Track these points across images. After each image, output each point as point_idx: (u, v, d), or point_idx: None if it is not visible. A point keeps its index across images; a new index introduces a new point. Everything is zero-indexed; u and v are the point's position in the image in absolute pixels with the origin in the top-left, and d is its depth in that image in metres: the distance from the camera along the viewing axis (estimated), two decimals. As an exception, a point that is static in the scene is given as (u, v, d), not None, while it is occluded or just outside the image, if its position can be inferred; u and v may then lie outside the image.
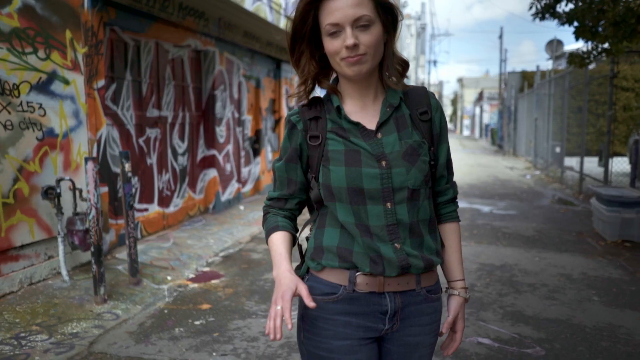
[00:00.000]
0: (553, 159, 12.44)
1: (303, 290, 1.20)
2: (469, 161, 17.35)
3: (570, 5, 6.51)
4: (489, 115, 35.34)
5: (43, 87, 3.99)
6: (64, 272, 4.07)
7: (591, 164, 10.50)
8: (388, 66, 1.31)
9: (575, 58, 6.44)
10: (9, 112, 3.69)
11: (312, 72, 1.32)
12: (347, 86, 1.33)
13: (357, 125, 1.30)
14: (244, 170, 8.19)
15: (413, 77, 34.65)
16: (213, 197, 7.06)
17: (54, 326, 3.37)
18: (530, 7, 6.99)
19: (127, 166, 4.07)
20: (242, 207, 7.65)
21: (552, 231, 6.37)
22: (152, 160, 5.77)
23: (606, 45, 6.54)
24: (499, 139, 24.94)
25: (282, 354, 3.04)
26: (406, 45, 30.64)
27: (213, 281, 4.44)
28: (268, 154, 9.23)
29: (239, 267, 4.85)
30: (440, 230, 1.41)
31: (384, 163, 1.27)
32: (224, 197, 7.38)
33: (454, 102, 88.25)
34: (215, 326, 3.46)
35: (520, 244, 5.70)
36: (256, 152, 8.66)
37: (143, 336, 3.31)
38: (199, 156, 6.84)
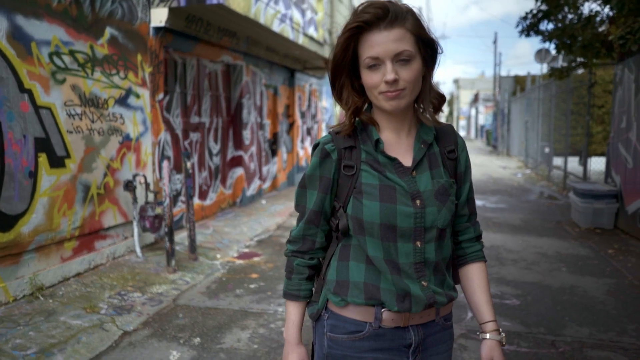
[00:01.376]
0: (542, 159, 13.46)
1: None
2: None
3: (551, 25, 7.55)
4: (484, 116, 36.41)
5: (122, 101, 4.98)
6: (137, 249, 5.06)
7: (576, 164, 11.53)
8: (424, 100, 1.29)
9: (555, 71, 7.47)
10: (101, 122, 4.68)
11: (357, 104, 1.28)
12: (382, 118, 1.30)
13: (394, 160, 1.28)
14: (264, 169, 9.19)
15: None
16: (240, 192, 8.05)
17: (142, 287, 4.36)
18: (517, 25, 8.01)
19: (189, 164, 5.07)
20: (264, 202, 8.65)
21: (535, 221, 7.39)
22: (194, 160, 6.76)
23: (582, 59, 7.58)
24: (493, 139, 26.00)
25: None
26: (404, 49, 31.63)
27: (254, 259, 5.43)
28: (283, 154, 10.23)
29: (272, 249, 5.83)
30: (467, 270, 1.39)
31: (418, 202, 1.25)
32: (249, 192, 8.38)
33: (450, 103, 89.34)
34: (266, 288, 4.46)
35: (507, 231, 6.71)
36: (274, 153, 9.66)
37: (212, 295, 4.30)
38: (229, 156, 7.84)
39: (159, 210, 5.08)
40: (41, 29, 3.95)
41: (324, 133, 13.73)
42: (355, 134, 1.30)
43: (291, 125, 10.59)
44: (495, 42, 25.36)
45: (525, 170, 14.95)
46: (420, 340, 1.31)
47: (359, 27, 1.20)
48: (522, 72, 19.08)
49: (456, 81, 78.94)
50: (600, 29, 5.52)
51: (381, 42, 1.18)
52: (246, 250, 5.81)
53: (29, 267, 3.90)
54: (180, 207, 6.22)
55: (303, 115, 11.32)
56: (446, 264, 1.33)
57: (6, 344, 3.18)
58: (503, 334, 1.32)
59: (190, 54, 6.43)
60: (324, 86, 13.09)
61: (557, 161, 12.10)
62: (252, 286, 4.51)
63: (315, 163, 1.30)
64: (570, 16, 7.22)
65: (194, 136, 6.75)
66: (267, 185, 9.40)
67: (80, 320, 3.63)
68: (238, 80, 7.86)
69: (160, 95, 5.65)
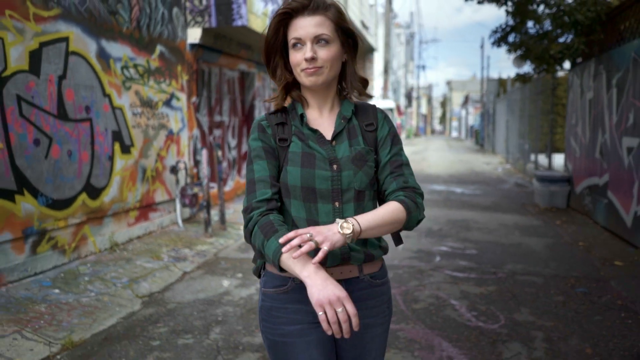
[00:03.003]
0: (520, 155, 14.84)
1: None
2: (452, 158, 19.81)
3: (516, 38, 8.91)
4: (473, 117, 37.90)
5: (168, 103, 6.29)
6: (179, 221, 6.37)
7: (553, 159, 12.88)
8: (347, 82, 1.48)
9: (520, 77, 8.83)
10: (153, 119, 5.99)
11: (287, 80, 1.46)
12: (308, 96, 1.47)
13: (316, 132, 1.43)
14: (272, 162, 10.51)
15: (403, 82, 37.11)
16: (252, 181, 9.36)
17: (189, 246, 5.66)
18: (490, 37, 9.37)
19: (219, 153, 6.38)
20: (272, 190, 9.97)
21: (504, 203, 8.75)
22: (217, 153, 8.05)
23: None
24: (481, 139, 27.43)
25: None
26: (396, 53, 33.06)
27: (271, 229, 6.75)
28: (287, 150, 11.55)
29: (285, 223, 7.15)
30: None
31: (335, 167, 1.40)
32: (260, 182, 9.70)
33: (443, 104, 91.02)
34: (284, 246, 5.77)
35: (478, 210, 8.06)
36: (279, 148, 10.98)
37: (244, 251, 5.60)
38: (243, 150, 9.15)
39: (195, 190, 6.40)
40: (115, 49, 5.26)
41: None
42: (287, 112, 1.48)
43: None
44: (482, 46, 26.82)
45: (505, 165, 16.35)
46: None
47: (287, 13, 1.39)
48: (512, 75, 20.35)
49: (449, 83, 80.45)
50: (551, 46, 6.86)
51: (304, 26, 1.37)
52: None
53: (108, 227, 5.20)
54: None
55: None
56: None
57: (105, 276, 4.48)
58: (348, 228, 1.28)
59: (215, 64, 7.74)
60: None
61: (533, 157, 13.46)
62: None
63: (255, 137, 1.46)
64: (532, 31, 8.58)
65: (217, 132, 8.07)
66: (274, 176, 10.71)
67: (150, 264, 4.93)
68: (251, 85, 9.18)
69: (194, 99, 6.97)
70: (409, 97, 39.71)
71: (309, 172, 1.39)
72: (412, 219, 1.41)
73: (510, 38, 9.15)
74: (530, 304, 3.88)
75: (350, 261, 1.42)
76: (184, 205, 6.43)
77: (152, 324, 3.61)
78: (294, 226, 1.42)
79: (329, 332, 1.22)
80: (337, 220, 1.30)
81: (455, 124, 73.58)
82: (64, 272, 4.40)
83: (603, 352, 3.06)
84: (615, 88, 6.10)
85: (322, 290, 1.22)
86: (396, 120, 20.52)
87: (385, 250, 1.51)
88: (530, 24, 8.47)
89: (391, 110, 19.09)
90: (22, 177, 4.08)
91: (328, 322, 1.21)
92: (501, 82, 20.55)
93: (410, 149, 28.68)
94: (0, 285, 3.88)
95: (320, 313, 1.21)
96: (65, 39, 4.56)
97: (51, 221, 4.40)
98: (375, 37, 21.98)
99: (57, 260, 4.47)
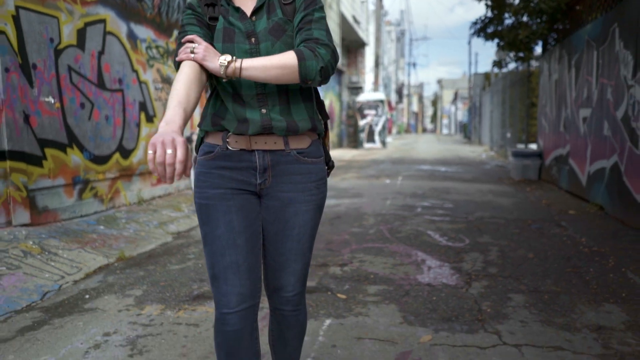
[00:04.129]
0: (503, 142, 15.78)
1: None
2: (439, 148, 20.78)
3: (495, 29, 9.83)
4: (462, 112, 38.94)
5: (183, 81, 7.12)
6: (192, 185, 7.20)
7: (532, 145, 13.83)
8: None
9: (497, 63, 9.74)
10: (171, 94, 6.82)
11: None
12: None
13: (238, 10, 1.49)
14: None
15: (393, 78, 38.07)
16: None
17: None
18: (470, 28, 10.28)
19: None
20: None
21: (482, 177, 9.66)
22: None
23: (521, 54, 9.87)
24: (468, 132, 28.42)
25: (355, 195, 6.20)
26: (387, 49, 33.99)
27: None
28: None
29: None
30: None
31: (253, 39, 1.46)
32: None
33: (434, 103, 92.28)
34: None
35: (459, 181, 8.96)
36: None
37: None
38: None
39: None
40: (141, 31, 6.09)
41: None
42: None
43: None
44: (469, 43, 27.79)
45: (489, 152, 17.30)
46: (267, 165, 1.48)
47: None
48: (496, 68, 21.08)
49: (439, 81, 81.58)
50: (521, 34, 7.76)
51: None
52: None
53: (136, 185, 6.03)
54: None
55: (300, 103, 13.50)
56: (299, 96, 1.49)
57: (138, 220, 5.31)
58: (226, 59, 1.37)
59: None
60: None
61: (514, 143, 14.39)
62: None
63: (189, 13, 1.50)
64: (508, 22, 9.49)
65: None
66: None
67: (174, 213, 5.77)
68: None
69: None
70: (399, 92, 40.65)
71: (229, 46, 1.45)
72: (309, 67, 1.39)
73: (489, 29, 10.07)
74: (491, 233, 4.77)
75: (273, 130, 1.46)
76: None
77: (185, 247, 4.45)
78: (219, 100, 1.50)
79: (155, 173, 1.21)
80: (225, 55, 1.39)
81: (445, 121, 74.72)
82: (104, 216, 5.22)
83: (541, 257, 3.94)
84: (574, 68, 7.01)
85: (161, 133, 1.22)
86: (387, 114, 21.42)
87: (314, 127, 1.52)
88: (506, 15, 9.40)
89: (382, 102, 19.95)
90: (71, 134, 4.90)
91: (155, 163, 1.19)
92: (486, 76, 21.52)
93: (401, 141, 29.62)
94: (55, 221, 4.70)
95: (150, 152, 1.19)
96: (103, 21, 5.39)
97: (93, 173, 5.23)
98: (366, 32, 22.88)
99: (97, 207, 5.30)
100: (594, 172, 6.09)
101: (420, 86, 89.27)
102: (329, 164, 1.63)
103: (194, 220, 5.60)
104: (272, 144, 1.47)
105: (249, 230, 1.49)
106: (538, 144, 9.55)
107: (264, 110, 1.45)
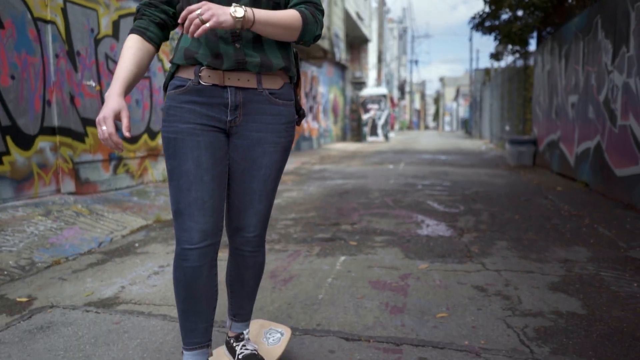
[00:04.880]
0: (502, 134, 16.32)
1: (124, 119, 1.38)
2: (441, 141, 21.33)
3: (492, 23, 10.39)
4: (463, 108, 39.46)
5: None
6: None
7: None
8: None
9: (493, 55, 10.29)
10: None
11: None
12: None
13: None
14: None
15: (396, 75, 38.60)
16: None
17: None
18: (469, 22, 10.83)
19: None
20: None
21: (480, 163, 10.22)
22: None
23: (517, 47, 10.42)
24: (470, 127, 28.95)
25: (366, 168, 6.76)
26: (389, 46, 34.53)
27: (284, 181, 8.17)
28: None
29: (289, 180, 8.58)
30: None
31: None
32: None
33: (436, 100, 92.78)
34: (304, 182, 7.19)
35: (457, 167, 9.52)
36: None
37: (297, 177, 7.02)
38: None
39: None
40: (166, 24, 6.66)
41: (322, 112, 16.50)
42: None
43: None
44: (470, 39, 28.32)
45: (489, 145, 17.84)
46: (239, 103, 1.47)
47: None
48: (496, 64, 21.53)
49: (442, 79, 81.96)
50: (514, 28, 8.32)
51: None
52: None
53: (161, 164, 6.61)
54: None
55: (306, 95, 14.08)
56: (274, 41, 1.48)
57: (166, 193, 5.88)
58: (240, 12, 1.33)
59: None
60: (321, 75, 15.83)
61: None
62: (286, 184, 7.26)
63: None
64: (504, 17, 10.05)
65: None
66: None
67: (197, 190, 6.34)
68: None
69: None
70: (402, 89, 41.18)
71: None
72: (309, 31, 1.45)
73: (487, 23, 10.63)
74: (484, 202, 5.33)
75: (247, 67, 1.45)
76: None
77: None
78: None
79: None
80: (233, 3, 1.35)
81: (448, 118, 75.12)
82: (135, 190, 5.80)
83: (525, 218, 4.51)
84: (564, 58, 7.56)
85: (102, 108, 1.39)
86: (389, 110, 21.99)
87: (287, 67, 1.52)
88: (502, 10, 9.95)
89: (384, 96, 20.49)
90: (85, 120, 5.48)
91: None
92: (486, 72, 22.04)
93: (403, 136, 30.17)
94: (95, 192, 5.28)
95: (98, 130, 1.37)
96: (134, 14, 5.96)
97: (125, 151, 5.80)
98: (369, 28, 23.42)
99: (129, 182, 5.87)
100: (581, 153, 6.64)
101: (423, 84, 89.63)
102: (300, 112, 1.65)
103: (216, 195, 6.17)
104: (245, 81, 1.47)
105: (216, 168, 1.47)
106: (533, 132, 10.09)
107: (237, 45, 1.43)
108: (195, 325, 1.53)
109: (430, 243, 3.63)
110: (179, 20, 1.33)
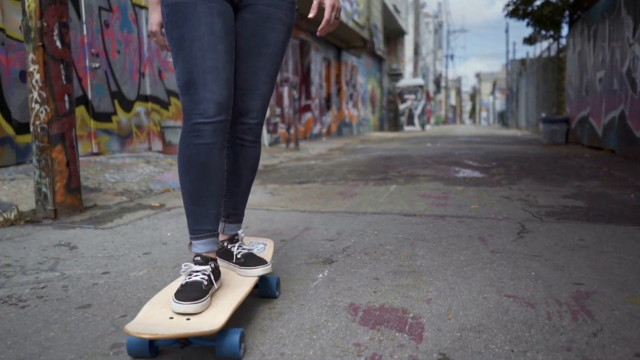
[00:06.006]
0: (537, 121, 16.70)
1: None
2: (476, 130, 21.80)
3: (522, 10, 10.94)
4: (500, 101, 39.44)
5: (257, 55, 8.61)
6: (266, 142, 8.65)
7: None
8: None
9: (526, 39, 10.83)
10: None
11: None
12: None
13: None
14: (322, 118, 12.76)
15: (431, 69, 38.95)
16: (309, 130, 11.62)
17: (279, 152, 7.93)
18: (503, 10, 11.39)
19: (295, 92, 8.63)
20: (324, 139, 12.21)
21: (514, 142, 10.79)
22: (292, 92, 10.34)
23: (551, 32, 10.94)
24: (506, 119, 29.14)
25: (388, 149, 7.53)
26: (425, 40, 34.94)
27: (333, 153, 8.99)
28: (334, 111, 13.77)
29: (337, 153, 9.38)
30: None
31: None
32: (314, 132, 11.95)
33: (473, 97, 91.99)
34: (350, 153, 7.99)
35: (493, 144, 10.13)
36: (328, 108, 13.21)
37: (325, 157, 7.84)
38: (303, 103, 11.42)
39: (276, 119, 8.67)
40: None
41: (361, 101, 17.26)
42: None
43: (339, 90, 14.14)
44: (507, 31, 28.52)
45: (525, 132, 18.22)
46: None
47: None
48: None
49: (478, 75, 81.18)
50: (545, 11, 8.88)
51: None
52: (325, 151, 9.37)
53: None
54: (280, 129, 9.81)
55: (347, 84, 14.87)
56: None
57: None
58: None
59: (284, 31, 10.01)
60: (360, 65, 16.59)
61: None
62: (335, 155, 8.07)
63: None
64: (537, 3, 10.58)
65: (284, 86, 10.34)
66: (324, 130, 12.97)
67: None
68: (307, 52, 11.43)
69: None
70: (437, 83, 41.46)
71: None
72: None
73: (520, 10, 11.16)
74: (515, 162, 6.01)
75: None
76: (268, 130, 8.72)
77: (275, 170, 5.88)
78: None
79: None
80: None
81: (484, 114, 74.43)
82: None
83: (550, 168, 5.17)
84: (592, 38, 8.10)
85: (149, 21, 1.51)
86: (424, 103, 22.52)
87: None
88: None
89: (421, 87, 21.08)
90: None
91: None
92: (522, 62, 22.31)
93: (440, 127, 30.55)
94: (175, 154, 6.21)
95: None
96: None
97: (198, 121, 6.73)
98: (405, 21, 24.01)
99: (201, 148, 6.80)
100: (607, 123, 7.20)
101: (458, 80, 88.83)
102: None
103: (275, 160, 7.03)
104: None
105: (228, 38, 1.40)
106: (565, 112, 10.59)
107: None
108: (207, 210, 1.42)
109: (467, 180, 4.37)
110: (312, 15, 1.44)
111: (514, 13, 11.12)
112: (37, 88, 2.91)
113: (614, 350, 1.19)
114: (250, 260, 1.54)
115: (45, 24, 2.89)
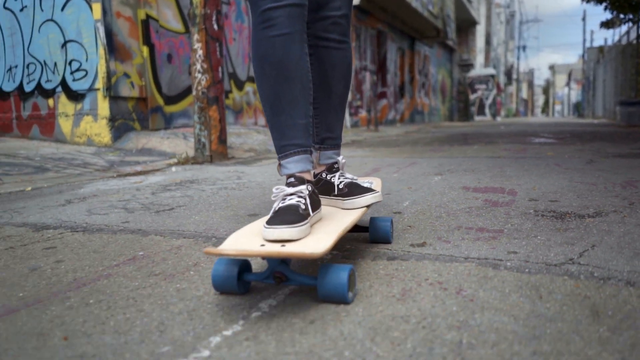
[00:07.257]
0: (614, 108, 16.41)
1: None
2: (549, 120, 21.51)
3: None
4: (576, 93, 38.13)
5: (341, 44, 9.39)
6: (348, 124, 9.41)
7: None
8: None
9: (604, 23, 10.91)
10: (334, 53, 9.09)
11: None
12: None
13: None
14: (397, 105, 13.37)
15: (502, 60, 38.29)
16: (385, 116, 12.27)
17: (360, 133, 8.65)
18: (581, -5, 11.49)
19: (374, 77, 9.32)
20: (398, 124, 12.82)
21: (589, 125, 10.92)
22: (373, 78, 11.06)
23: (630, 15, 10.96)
24: (582, 109, 28.33)
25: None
26: (496, 31, 34.46)
27: (411, 134, 9.60)
28: (407, 99, 14.33)
29: (414, 133, 9.97)
30: None
31: None
32: (389, 117, 12.59)
33: (545, 90, 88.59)
34: (428, 133, 8.59)
35: (567, 126, 10.35)
36: (402, 96, 13.79)
37: (405, 135, 8.49)
38: (379, 90, 12.08)
39: (358, 102, 9.40)
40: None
41: (432, 90, 17.67)
42: None
43: (412, 79, 14.67)
44: (584, 19, 27.67)
45: (601, 119, 17.91)
46: None
47: None
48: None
49: (551, 67, 78.16)
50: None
51: None
52: (401, 133, 10.00)
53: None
54: (360, 113, 10.54)
55: (420, 73, 15.37)
56: None
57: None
58: None
59: (363, 22, 10.72)
60: (432, 56, 17.00)
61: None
62: (414, 135, 8.69)
63: None
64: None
65: (364, 72, 11.06)
66: (397, 117, 13.58)
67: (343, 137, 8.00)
68: (384, 42, 12.07)
69: (352, 45, 9.98)
70: (508, 75, 40.65)
71: None
72: None
73: (598, -5, 11.21)
74: (589, 135, 6.40)
75: None
76: (349, 113, 9.47)
77: (364, 142, 6.60)
78: None
79: None
80: None
81: (558, 107, 71.64)
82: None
83: (623, 137, 5.56)
84: (672, 18, 8.22)
85: None
86: (495, 94, 22.47)
87: None
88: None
89: (492, 76, 21.11)
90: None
91: None
92: (600, 50, 21.76)
93: (514, 118, 30.17)
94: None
95: None
96: None
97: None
98: (477, 12, 24.01)
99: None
100: (685, 100, 7.37)
101: (530, 73, 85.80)
102: None
103: (359, 137, 7.76)
104: None
105: None
106: (644, 95, 10.61)
107: None
108: (293, 120, 1.19)
109: (542, 143, 4.91)
110: None
111: (591, -2, 11.21)
112: (199, 61, 3.80)
113: (648, 197, 1.83)
114: (356, 189, 1.29)
115: (208, 11, 3.77)
